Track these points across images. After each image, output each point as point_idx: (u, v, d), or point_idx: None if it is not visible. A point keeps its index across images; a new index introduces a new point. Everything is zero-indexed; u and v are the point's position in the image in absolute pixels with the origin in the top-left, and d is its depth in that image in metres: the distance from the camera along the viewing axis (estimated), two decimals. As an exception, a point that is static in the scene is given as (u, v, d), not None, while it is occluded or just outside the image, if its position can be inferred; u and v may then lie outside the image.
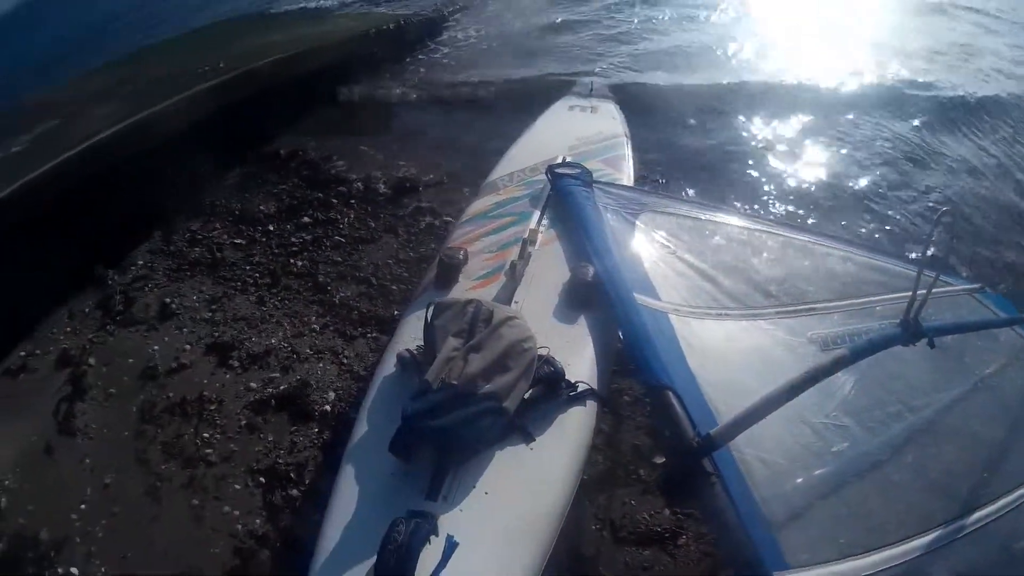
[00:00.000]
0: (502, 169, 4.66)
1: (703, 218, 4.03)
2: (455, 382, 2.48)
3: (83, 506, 3.82)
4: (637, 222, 3.84)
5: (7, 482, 4.04)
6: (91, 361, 4.74)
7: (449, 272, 3.48)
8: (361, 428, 2.76)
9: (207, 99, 6.64)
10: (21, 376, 4.92)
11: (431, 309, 2.89)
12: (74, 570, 3.51)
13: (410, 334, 3.17)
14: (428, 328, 2.83)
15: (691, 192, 5.92)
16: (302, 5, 12.43)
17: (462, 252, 3.57)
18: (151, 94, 6.81)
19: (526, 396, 2.66)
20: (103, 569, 3.48)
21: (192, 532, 3.58)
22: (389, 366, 3.01)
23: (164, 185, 6.14)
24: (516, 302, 3.29)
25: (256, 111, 7.03)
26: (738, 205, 5.60)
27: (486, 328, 2.72)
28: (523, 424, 2.62)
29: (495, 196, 4.30)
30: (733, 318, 3.28)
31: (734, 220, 4.09)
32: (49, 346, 5.08)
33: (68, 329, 5.23)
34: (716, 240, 3.88)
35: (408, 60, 9.17)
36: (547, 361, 2.79)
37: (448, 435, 2.44)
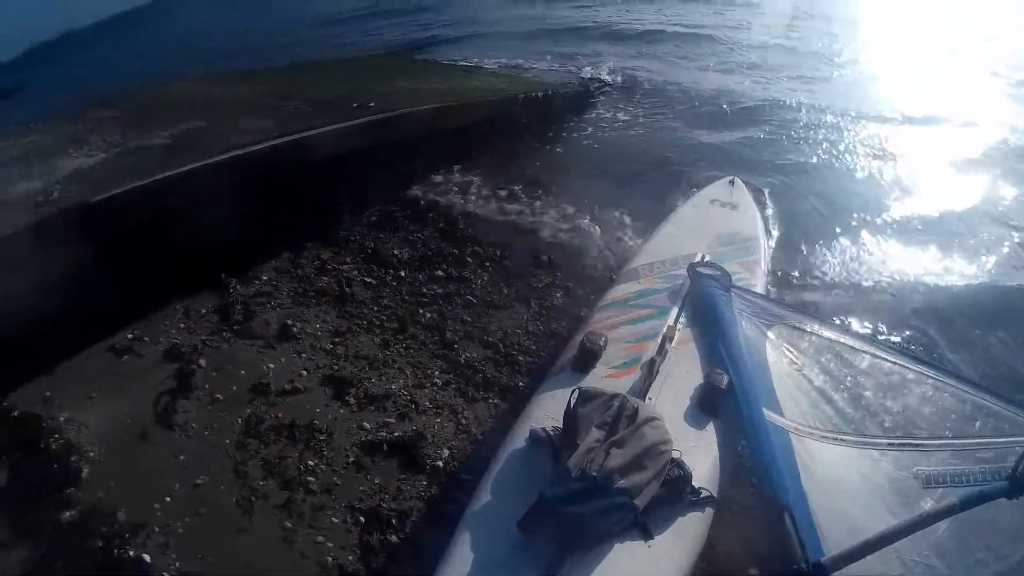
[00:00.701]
0: (643, 258, 4.77)
1: (831, 338, 4.03)
2: (594, 473, 2.56)
3: (168, 499, 3.91)
4: (769, 333, 3.90)
5: (92, 453, 4.16)
6: (201, 362, 4.88)
7: (589, 357, 3.56)
8: (484, 495, 2.83)
9: (361, 133, 6.83)
10: (125, 357, 5.09)
11: (575, 395, 2.96)
12: (146, 556, 3.57)
13: (544, 411, 3.26)
14: (571, 413, 2.91)
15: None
16: (456, 60, 12.71)
17: (603, 338, 3.65)
18: (304, 115, 7.07)
19: (653, 495, 2.68)
20: (178, 564, 3.55)
21: (280, 553, 3.62)
22: (519, 440, 3.09)
23: (301, 207, 6.35)
24: (650, 398, 3.35)
25: (404, 154, 7.20)
26: (864, 331, 5.46)
27: (629, 425, 2.81)
28: (645, 521, 2.66)
29: (635, 284, 4.41)
30: (847, 444, 3.30)
31: (859, 344, 4.06)
32: (159, 336, 5.23)
33: (182, 326, 5.38)
34: (840, 362, 3.88)
35: (551, 133, 9.18)
36: (678, 464, 2.86)
37: (579, 523, 2.50)
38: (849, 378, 3.76)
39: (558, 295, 5.56)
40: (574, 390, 2.99)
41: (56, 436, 4.34)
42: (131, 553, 3.58)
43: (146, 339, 5.27)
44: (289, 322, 5.18)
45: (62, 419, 4.52)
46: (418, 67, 11.73)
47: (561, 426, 2.94)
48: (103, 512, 3.85)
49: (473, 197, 7.28)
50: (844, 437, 3.32)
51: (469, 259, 5.95)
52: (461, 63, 12.56)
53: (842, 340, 4.05)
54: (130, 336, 5.35)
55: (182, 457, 4.18)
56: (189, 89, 9.53)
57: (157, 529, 3.69)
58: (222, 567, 3.56)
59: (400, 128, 7.15)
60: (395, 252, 6.07)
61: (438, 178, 7.63)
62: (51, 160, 7.08)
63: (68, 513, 3.89)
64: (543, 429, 3.00)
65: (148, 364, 5.02)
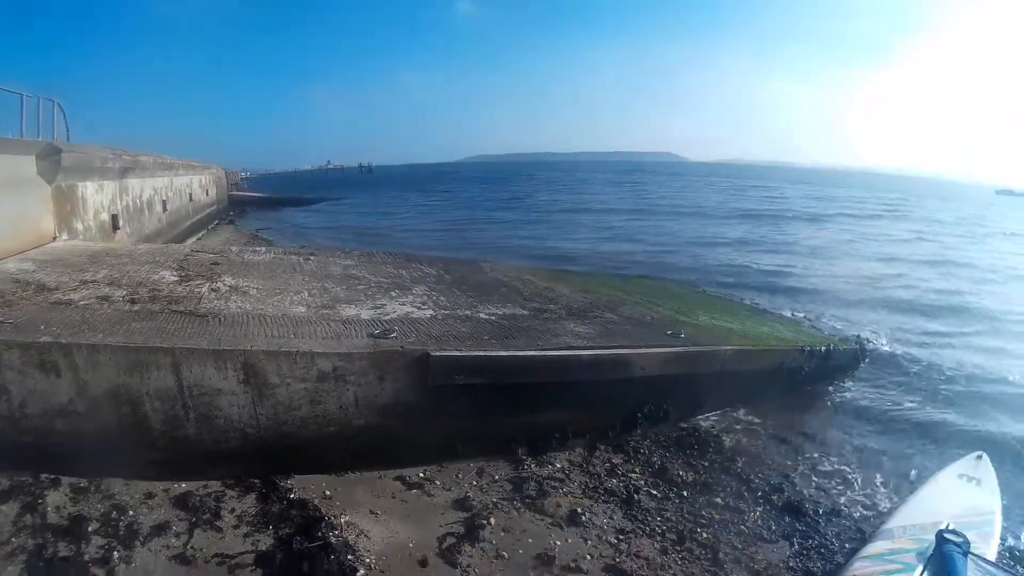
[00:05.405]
0: (898, 519, 5.40)
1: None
2: None
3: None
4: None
5: (369, 560, 4.87)
6: (492, 520, 5.53)
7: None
8: None
9: (672, 360, 7.44)
10: (414, 491, 5.92)
11: None
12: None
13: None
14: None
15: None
16: (743, 299, 13.43)
17: None
18: (625, 332, 7.95)
19: None
20: None
21: None
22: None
23: (601, 412, 7.02)
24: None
25: (701, 385, 7.88)
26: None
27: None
28: None
29: (890, 543, 5.05)
30: None
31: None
32: (451, 485, 5.97)
33: (475, 483, 6.01)
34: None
35: (832, 388, 9.64)
36: None
37: None
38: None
39: (813, 540, 5.64)
40: None
41: (336, 532, 4.99)
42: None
43: (437, 482, 5.96)
44: (579, 510, 5.75)
45: (343, 520, 5.19)
46: (711, 301, 12.62)
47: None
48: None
49: (752, 438, 7.71)
50: None
51: (745, 494, 6.27)
52: (746, 302, 13.05)
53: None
54: (422, 475, 6.05)
55: (464, 601, 4.83)
56: (508, 272, 10.54)
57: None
58: None
59: (704, 362, 7.76)
60: (680, 473, 6.54)
61: (729, 414, 8.20)
62: (381, 297, 8.08)
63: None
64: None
65: (438, 504, 5.68)
